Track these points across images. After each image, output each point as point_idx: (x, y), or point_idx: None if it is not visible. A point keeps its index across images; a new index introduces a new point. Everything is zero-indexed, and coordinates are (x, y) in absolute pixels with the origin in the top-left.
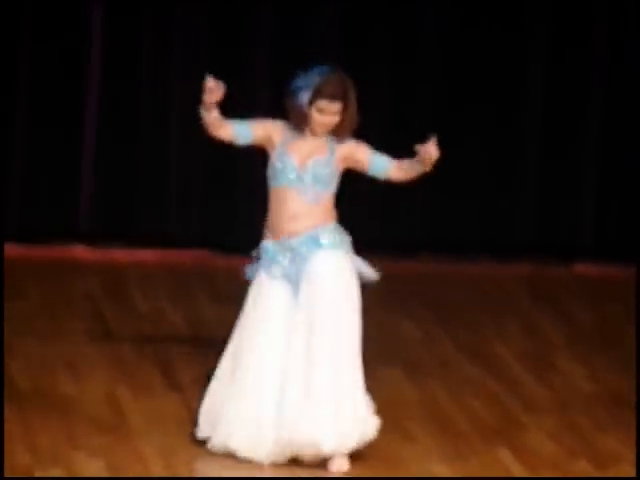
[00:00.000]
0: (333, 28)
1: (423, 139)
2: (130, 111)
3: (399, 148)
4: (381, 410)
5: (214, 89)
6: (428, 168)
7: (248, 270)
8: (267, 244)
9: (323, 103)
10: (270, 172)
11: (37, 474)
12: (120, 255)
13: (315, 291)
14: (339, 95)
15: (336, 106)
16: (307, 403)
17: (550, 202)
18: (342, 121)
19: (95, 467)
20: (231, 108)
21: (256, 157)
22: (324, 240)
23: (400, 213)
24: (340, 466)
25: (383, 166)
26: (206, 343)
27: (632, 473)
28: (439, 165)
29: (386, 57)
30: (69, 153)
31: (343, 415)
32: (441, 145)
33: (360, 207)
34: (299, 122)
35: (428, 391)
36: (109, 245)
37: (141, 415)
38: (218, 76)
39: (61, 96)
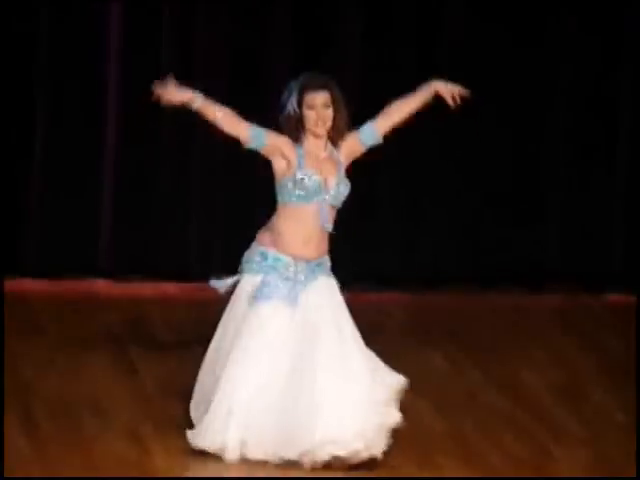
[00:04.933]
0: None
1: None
2: (149, 144)
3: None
4: (409, 443)
5: (168, 91)
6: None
7: (223, 283)
8: (284, 258)
9: (310, 96)
10: (293, 191)
11: None
12: (141, 290)
13: (333, 311)
14: (323, 84)
15: (324, 96)
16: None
17: (579, 232)
18: (336, 115)
19: None
20: (250, 112)
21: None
22: (326, 269)
23: (426, 245)
24: None
25: (371, 132)
26: None
27: None
28: (465, 196)
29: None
30: (89, 186)
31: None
32: (467, 175)
33: (388, 239)
34: (296, 131)
35: (456, 423)
36: (130, 279)
37: (166, 452)
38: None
39: (79, 130)
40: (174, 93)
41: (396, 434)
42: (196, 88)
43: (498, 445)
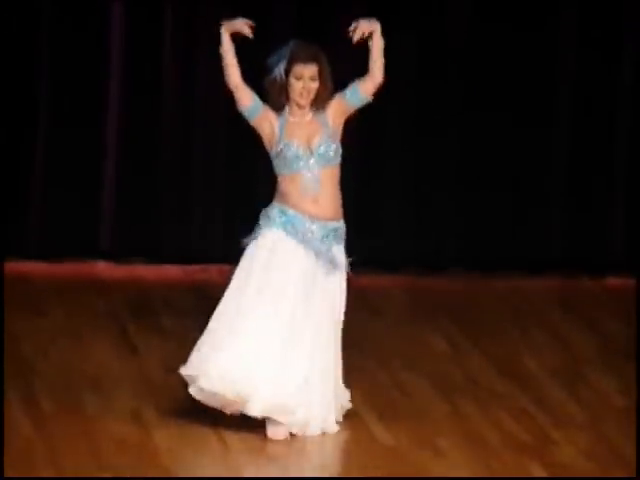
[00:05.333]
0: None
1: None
2: (152, 124)
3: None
4: (409, 424)
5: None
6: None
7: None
8: (300, 215)
9: (299, 67)
10: (279, 162)
11: None
12: (143, 271)
13: (336, 283)
14: (313, 57)
15: (312, 69)
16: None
17: (580, 216)
18: (321, 87)
19: None
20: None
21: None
22: (341, 237)
23: (430, 228)
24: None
25: (355, 92)
26: None
27: None
28: (469, 180)
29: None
30: (91, 169)
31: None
32: (470, 160)
33: (391, 222)
34: (279, 97)
35: (457, 406)
36: (132, 261)
37: (167, 434)
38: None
39: (82, 111)
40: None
41: (397, 415)
42: (198, 90)
43: (498, 427)
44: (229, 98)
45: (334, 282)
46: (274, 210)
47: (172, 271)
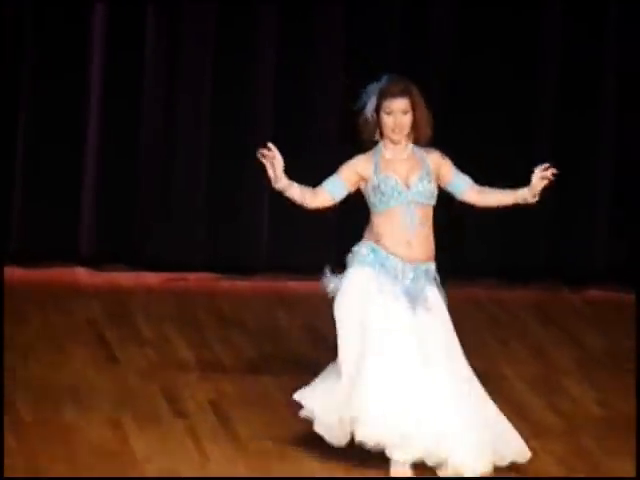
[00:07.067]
0: (338, 29)
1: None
2: (132, 129)
3: None
4: None
5: (274, 159)
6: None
7: (333, 282)
8: (391, 256)
9: (389, 102)
10: (375, 198)
11: None
12: (122, 279)
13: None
14: (403, 91)
15: (403, 103)
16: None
17: (562, 227)
18: (415, 121)
19: None
20: (234, 111)
21: (260, 180)
22: (433, 277)
23: None
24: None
25: (462, 187)
26: (211, 368)
27: None
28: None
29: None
30: (70, 174)
31: None
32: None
33: None
34: (372, 134)
35: None
36: (111, 268)
37: (146, 442)
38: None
39: (61, 117)
40: (276, 175)
41: None
42: (180, 88)
43: None
44: (212, 100)
45: (431, 322)
46: (365, 247)
47: (151, 279)
